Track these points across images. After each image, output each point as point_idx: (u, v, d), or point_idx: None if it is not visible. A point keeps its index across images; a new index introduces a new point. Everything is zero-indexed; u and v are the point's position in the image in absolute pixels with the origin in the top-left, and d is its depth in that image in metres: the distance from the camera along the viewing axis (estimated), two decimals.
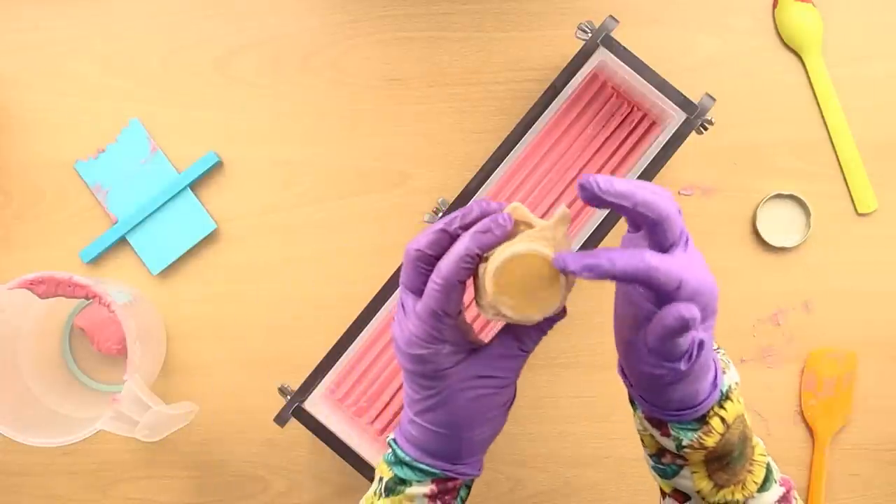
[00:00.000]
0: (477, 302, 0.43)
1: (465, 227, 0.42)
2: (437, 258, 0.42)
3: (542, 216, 0.65)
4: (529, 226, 0.42)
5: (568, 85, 0.62)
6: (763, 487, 0.46)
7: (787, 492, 0.47)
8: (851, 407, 0.69)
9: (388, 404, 0.65)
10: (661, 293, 0.39)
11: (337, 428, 0.62)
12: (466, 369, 0.44)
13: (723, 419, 0.44)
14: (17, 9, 0.71)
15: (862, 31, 0.70)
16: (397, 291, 0.62)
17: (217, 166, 0.71)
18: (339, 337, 0.62)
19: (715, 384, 0.44)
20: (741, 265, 0.70)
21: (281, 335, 0.70)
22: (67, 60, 0.71)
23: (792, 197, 0.69)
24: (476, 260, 0.42)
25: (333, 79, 0.71)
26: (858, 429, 0.69)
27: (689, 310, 0.38)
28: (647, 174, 0.61)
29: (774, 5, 0.70)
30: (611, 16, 0.61)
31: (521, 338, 0.45)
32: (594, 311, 0.70)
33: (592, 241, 0.61)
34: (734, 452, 0.45)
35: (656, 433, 0.45)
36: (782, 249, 0.69)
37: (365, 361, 0.66)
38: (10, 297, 0.60)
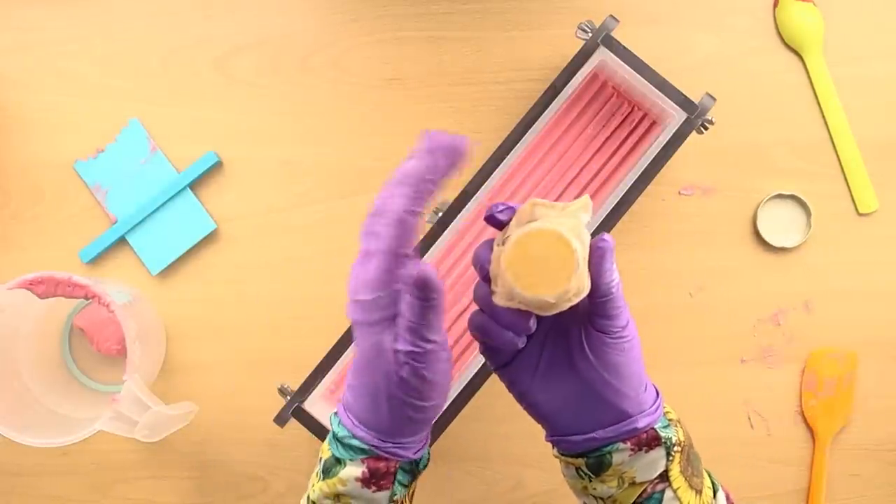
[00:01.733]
0: (492, 290, 0.42)
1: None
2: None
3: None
4: (552, 210, 0.42)
5: (568, 85, 0.62)
6: (714, 491, 0.47)
7: (728, 496, 0.47)
8: (852, 407, 0.69)
9: None
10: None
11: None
12: (397, 326, 0.42)
13: (673, 415, 0.46)
14: (17, 9, 0.71)
15: (863, 30, 0.70)
16: None
17: (217, 166, 0.71)
18: (339, 337, 0.62)
19: (657, 390, 0.46)
20: (741, 265, 0.70)
21: (281, 335, 0.70)
22: (67, 60, 0.71)
23: (792, 197, 0.69)
24: (429, 195, 0.43)
25: (333, 78, 0.71)
26: (859, 429, 0.69)
27: (608, 236, 0.42)
28: (647, 174, 0.61)
29: (775, 5, 0.70)
30: (611, 15, 0.61)
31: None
32: None
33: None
34: (692, 448, 0.46)
35: (642, 460, 0.44)
36: (783, 249, 0.69)
37: None
38: (9, 297, 0.60)
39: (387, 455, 0.44)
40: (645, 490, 0.44)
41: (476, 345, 0.65)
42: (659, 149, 0.61)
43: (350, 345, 0.62)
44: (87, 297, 0.60)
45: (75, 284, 0.60)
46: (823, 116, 0.70)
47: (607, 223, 0.61)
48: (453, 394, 0.61)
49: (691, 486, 0.45)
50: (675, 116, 0.61)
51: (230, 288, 0.71)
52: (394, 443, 0.44)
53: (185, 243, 0.70)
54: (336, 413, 0.46)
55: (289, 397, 0.62)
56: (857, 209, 0.70)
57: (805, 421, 0.69)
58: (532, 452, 0.70)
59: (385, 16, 0.71)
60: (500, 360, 0.46)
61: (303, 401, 0.62)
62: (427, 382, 0.43)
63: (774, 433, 0.70)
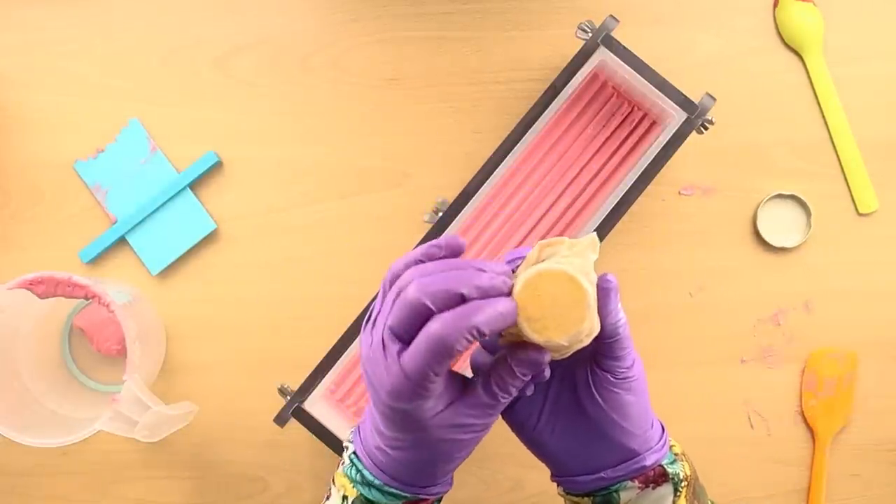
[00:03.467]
0: (500, 334, 0.41)
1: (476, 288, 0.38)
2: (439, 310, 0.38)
3: (543, 217, 0.65)
4: (559, 246, 0.41)
5: (568, 85, 0.62)
6: None
7: None
8: (852, 407, 0.69)
9: None
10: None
11: (337, 428, 0.62)
12: (446, 418, 0.41)
13: (678, 448, 0.46)
14: (18, 9, 0.71)
15: (863, 30, 0.70)
16: None
17: (217, 166, 0.71)
18: (339, 337, 0.62)
19: (663, 426, 0.46)
20: (741, 265, 0.70)
21: (281, 335, 0.70)
22: (67, 60, 0.71)
23: (792, 197, 0.69)
24: (482, 337, 0.38)
25: (333, 78, 0.71)
26: (859, 429, 0.69)
27: (612, 276, 0.41)
28: (648, 174, 0.61)
29: (775, 5, 0.70)
30: (611, 15, 0.61)
31: (502, 384, 0.41)
32: None
33: (598, 234, 0.61)
34: (698, 480, 0.46)
35: (649, 497, 0.44)
36: (783, 249, 0.69)
37: None
38: (9, 297, 0.60)
39: (428, 496, 0.44)
40: None
41: (475, 344, 0.64)
42: (659, 149, 0.61)
43: (350, 345, 0.62)
44: (87, 298, 0.60)
45: (75, 284, 0.60)
46: (823, 116, 0.70)
47: (607, 223, 0.61)
48: None
49: None
50: (675, 116, 0.61)
51: (230, 288, 0.71)
52: (434, 484, 0.45)
53: (185, 243, 0.70)
54: (359, 457, 0.45)
55: (289, 397, 0.62)
56: (857, 209, 0.70)
57: (805, 421, 0.69)
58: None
59: (385, 16, 0.71)
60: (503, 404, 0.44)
61: (303, 401, 0.62)
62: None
63: (774, 433, 0.70)
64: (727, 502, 0.70)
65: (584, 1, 0.70)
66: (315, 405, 0.63)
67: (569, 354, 0.41)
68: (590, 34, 0.61)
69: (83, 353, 0.72)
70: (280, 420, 0.62)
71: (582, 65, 0.61)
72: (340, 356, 0.62)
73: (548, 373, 0.43)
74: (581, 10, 0.70)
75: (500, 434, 0.70)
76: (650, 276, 0.70)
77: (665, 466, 0.44)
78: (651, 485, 0.44)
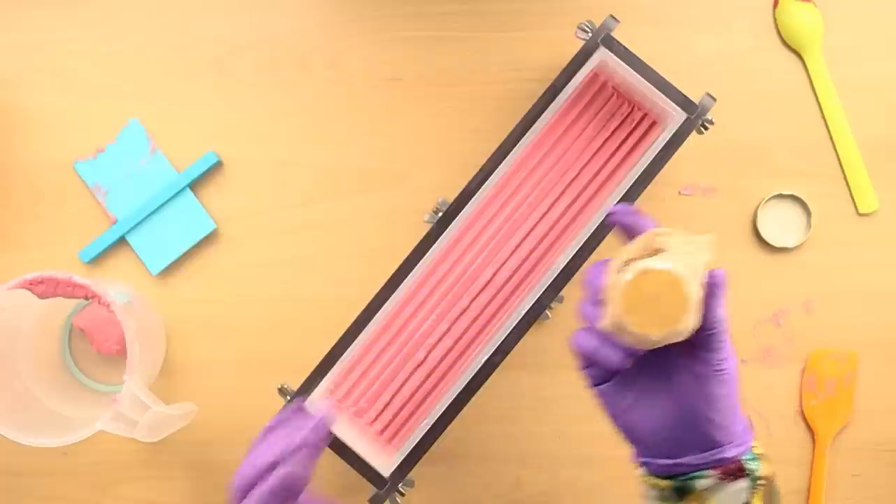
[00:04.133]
0: (603, 313, 0.43)
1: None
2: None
3: (543, 217, 0.65)
4: (674, 238, 0.43)
5: (568, 85, 0.62)
6: None
7: None
8: (852, 407, 0.69)
9: (387, 404, 0.65)
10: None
11: (336, 428, 0.62)
12: None
13: (760, 449, 0.47)
14: (17, 9, 0.71)
15: (863, 30, 0.70)
16: (397, 292, 0.62)
17: (217, 166, 0.71)
18: (339, 337, 0.62)
19: (750, 424, 0.47)
20: (741, 265, 0.70)
21: (281, 335, 0.70)
22: (67, 60, 0.71)
23: (792, 197, 0.69)
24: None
25: (333, 78, 0.71)
26: (859, 429, 0.69)
27: (721, 271, 0.43)
28: (648, 174, 0.61)
29: (775, 5, 0.70)
30: (611, 15, 0.61)
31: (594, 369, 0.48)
32: None
33: (587, 248, 0.61)
34: (774, 483, 0.47)
35: (725, 490, 0.45)
36: (783, 249, 0.69)
37: (365, 362, 0.65)
38: (9, 297, 0.60)
39: None
40: None
41: (475, 345, 0.65)
42: (659, 149, 0.61)
43: (350, 345, 0.62)
44: (87, 298, 0.60)
45: (75, 284, 0.60)
46: (823, 116, 0.70)
47: (607, 224, 0.61)
48: (452, 394, 0.61)
49: None
50: (675, 116, 0.61)
51: (230, 288, 0.71)
52: None
53: (185, 243, 0.70)
54: None
55: (289, 397, 0.62)
56: (857, 209, 0.70)
57: (805, 421, 0.69)
58: (532, 452, 0.70)
59: (385, 16, 0.71)
60: (597, 380, 0.47)
61: (303, 401, 0.62)
62: None
63: (774, 433, 0.70)
64: None
65: (584, 1, 0.70)
66: (315, 405, 0.63)
67: (657, 346, 0.42)
68: (590, 34, 0.61)
69: (83, 353, 0.72)
70: None
71: (582, 65, 0.61)
72: (340, 356, 0.62)
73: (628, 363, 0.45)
74: (581, 10, 0.70)
75: (500, 434, 0.70)
76: None
77: (745, 462, 0.45)
78: (729, 478, 0.45)
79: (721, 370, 0.44)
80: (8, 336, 0.66)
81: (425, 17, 0.71)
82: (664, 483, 0.46)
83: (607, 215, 0.46)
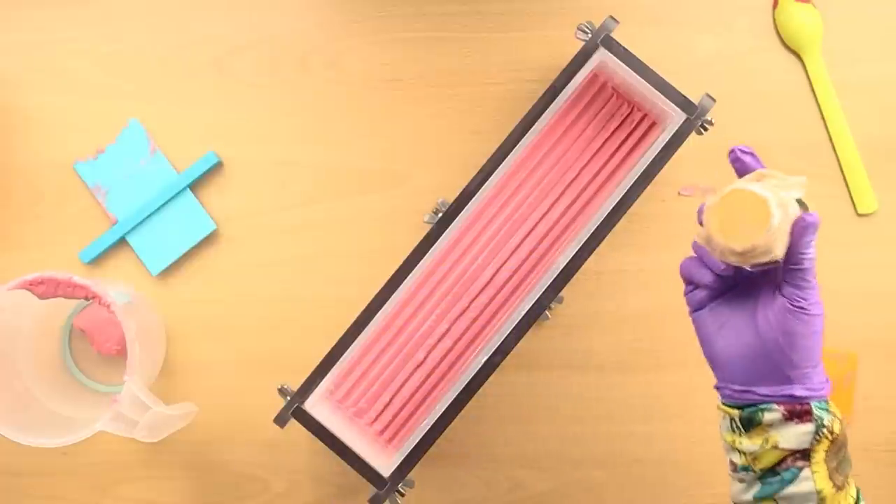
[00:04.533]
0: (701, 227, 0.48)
1: None
2: None
3: (543, 217, 0.65)
4: (773, 178, 0.47)
5: (568, 85, 0.62)
6: (857, 501, 0.49)
7: None
8: (852, 408, 0.69)
9: (387, 405, 0.65)
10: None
11: (337, 429, 0.62)
12: None
13: (837, 412, 0.49)
14: (17, 9, 0.71)
15: (862, 31, 0.70)
16: (397, 292, 0.62)
17: (217, 166, 0.71)
18: (339, 337, 0.62)
19: (829, 381, 0.49)
20: None
21: (281, 335, 0.70)
22: (67, 61, 0.71)
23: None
24: None
25: (333, 79, 0.71)
26: (859, 429, 0.69)
27: (815, 216, 0.46)
28: (648, 174, 0.61)
29: (774, 5, 0.70)
30: (611, 16, 0.61)
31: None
32: (596, 312, 0.70)
33: (587, 248, 0.61)
34: (846, 450, 0.49)
35: (789, 429, 0.47)
36: None
37: (365, 362, 0.66)
38: (9, 297, 0.60)
39: None
40: (785, 460, 0.47)
41: (475, 345, 0.65)
42: (659, 149, 0.61)
43: (350, 345, 0.62)
44: (87, 298, 0.60)
45: (76, 285, 0.60)
46: (823, 117, 0.70)
47: (607, 223, 0.61)
48: (452, 394, 0.61)
49: (832, 479, 0.47)
50: (675, 117, 0.61)
51: (230, 288, 0.71)
52: None
53: (185, 243, 0.70)
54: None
55: (289, 397, 0.62)
56: (856, 210, 0.70)
57: None
58: (532, 452, 0.70)
59: (385, 16, 0.71)
60: (696, 306, 0.51)
61: (303, 401, 0.62)
62: None
63: None
64: (727, 501, 0.70)
65: (584, 1, 0.70)
66: (315, 405, 0.63)
67: (742, 265, 0.47)
68: (589, 35, 0.61)
69: (84, 354, 0.72)
70: (280, 420, 0.62)
71: (582, 65, 0.61)
72: (340, 356, 0.62)
73: (728, 268, 0.49)
74: (581, 11, 0.70)
75: (500, 434, 0.70)
76: (650, 276, 0.70)
77: (814, 407, 0.47)
78: (795, 418, 0.47)
79: (802, 308, 0.47)
80: (8, 336, 0.66)
81: (425, 17, 0.71)
82: (734, 412, 0.49)
83: (730, 151, 0.50)
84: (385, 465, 0.61)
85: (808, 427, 0.47)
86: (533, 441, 0.70)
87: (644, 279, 0.70)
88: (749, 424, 0.48)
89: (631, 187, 0.61)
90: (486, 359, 0.61)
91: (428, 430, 0.61)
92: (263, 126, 0.71)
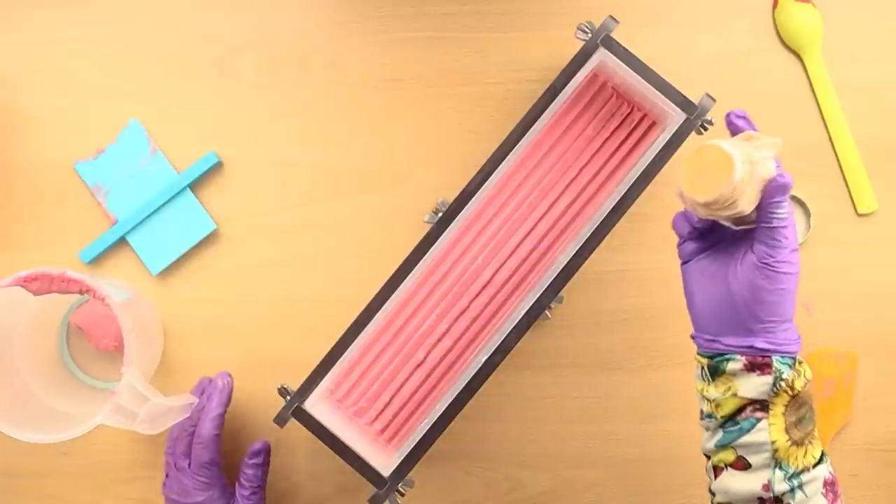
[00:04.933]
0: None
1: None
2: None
3: (543, 216, 0.65)
4: (749, 140, 0.50)
5: (568, 85, 0.62)
6: (819, 462, 0.50)
7: (836, 483, 0.50)
8: (852, 407, 0.69)
9: (388, 404, 0.65)
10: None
11: (337, 428, 0.62)
12: None
13: (805, 372, 0.50)
14: (17, 9, 0.72)
15: (862, 31, 0.70)
16: (397, 292, 0.62)
17: (217, 166, 0.71)
18: (339, 337, 0.62)
19: (799, 336, 0.51)
20: None
21: (281, 335, 0.70)
22: (67, 60, 0.71)
23: (792, 197, 0.69)
24: (224, 416, 0.63)
25: (333, 79, 0.71)
26: (859, 429, 0.69)
27: (787, 177, 0.49)
28: (648, 174, 0.61)
29: (774, 5, 0.70)
30: (611, 16, 0.61)
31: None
32: (596, 312, 0.70)
33: (587, 248, 0.61)
34: (808, 408, 0.50)
35: (749, 380, 0.49)
36: None
37: (365, 362, 0.66)
38: (4, 294, 0.60)
39: None
40: (745, 409, 0.50)
41: (475, 345, 0.65)
42: (659, 149, 0.61)
43: (350, 345, 0.62)
44: (81, 292, 0.60)
45: (70, 280, 0.60)
46: (823, 117, 0.70)
47: (607, 223, 0.61)
48: (452, 394, 0.61)
49: (788, 433, 0.49)
50: (675, 117, 0.61)
51: (230, 288, 0.71)
52: None
53: (185, 243, 0.70)
54: None
55: (289, 397, 0.62)
56: (856, 210, 0.70)
57: None
58: (532, 452, 0.70)
59: (385, 16, 0.71)
60: (684, 258, 0.54)
61: (303, 401, 0.62)
62: None
63: None
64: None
65: (584, 1, 0.70)
66: (315, 405, 0.63)
67: (711, 217, 0.50)
68: (589, 35, 0.61)
69: (81, 350, 0.72)
70: (280, 420, 0.62)
71: (581, 65, 0.61)
72: (340, 356, 0.62)
73: (699, 221, 0.53)
74: (581, 11, 0.70)
75: (500, 434, 0.70)
76: (650, 276, 0.70)
77: (774, 360, 0.49)
78: (756, 370, 0.49)
79: (769, 265, 0.48)
80: (4, 333, 0.65)
81: (425, 17, 0.71)
82: (704, 360, 0.52)
83: (726, 115, 0.53)
84: (385, 464, 0.61)
85: (767, 379, 0.49)
86: (533, 441, 0.70)
87: (644, 279, 0.70)
88: (714, 373, 0.51)
89: (631, 187, 0.61)
90: (486, 358, 0.61)
91: (428, 430, 0.61)
92: (263, 126, 0.71)
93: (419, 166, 0.70)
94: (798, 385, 0.49)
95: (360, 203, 0.71)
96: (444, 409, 0.61)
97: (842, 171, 0.70)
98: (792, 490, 0.49)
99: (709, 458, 0.53)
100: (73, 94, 0.71)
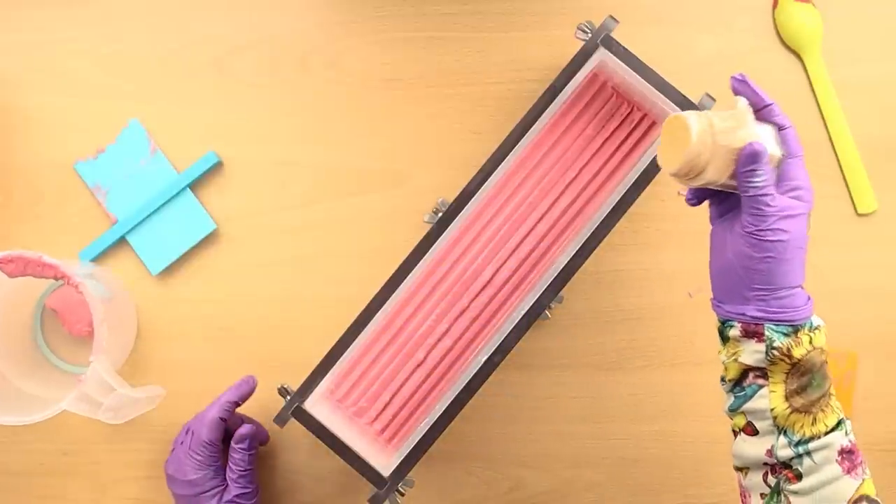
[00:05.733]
0: None
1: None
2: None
3: (543, 216, 0.65)
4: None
5: (568, 85, 0.62)
6: (836, 427, 0.50)
7: (855, 452, 0.50)
8: (852, 407, 0.69)
9: (388, 404, 0.65)
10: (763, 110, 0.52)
11: (337, 428, 0.62)
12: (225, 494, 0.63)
13: (811, 339, 0.50)
14: (17, 9, 0.71)
15: (862, 31, 0.70)
16: (397, 292, 0.62)
17: (217, 166, 0.71)
18: (339, 337, 0.62)
19: (808, 305, 0.51)
20: None
21: (281, 335, 0.70)
22: (67, 60, 0.71)
23: None
24: (234, 406, 0.64)
25: (333, 79, 0.71)
26: (859, 429, 0.69)
27: (756, 145, 0.49)
28: (648, 174, 0.61)
29: (774, 5, 0.70)
30: (611, 16, 0.61)
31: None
32: (595, 312, 0.70)
33: (587, 248, 0.61)
34: (813, 376, 0.50)
35: (748, 346, 0.50)
36: None
37: (365, 361, 0.66)
38: None
39: None
40: (748, 376, 0.51)
41: (475, 345, 0.65)
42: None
43: (350, 345, 0.62)
44: (56, 278, 0.60)
45: (45, 264, 0.60)
46: (822, 117, 0.70)
47: (607, 223, 0.61)
48: (452, 394, 0.61)
49: (789, 400, 0.49)
50: None
51: (230, 288, 0.71)
52: None
53: (185, 243, 0.70)
54: None
55: (289, 397, 0.62)
56: (856, 210, 0.70)
57: None
58: (532, 452, 0.70)
59: (385, 16, 0.71)
60: (711, 221, 0.55)
61: (303, 401, 0.62)
62: None
63: None
64: (727, 501, 0.70)
65: (585, 1, 0.70)
66: (315, 405, 0.63)
67: (688, 185, 0.51)
68: (589, 34, 0.61)
69: (55, 334, 0.72)
70: (280, 420, 0.62)
71: (581, 65, 0.61)
72: (340, 356, 0.62)
73: (685, 191, 0.55)
74: (581, 10, 0.70)
75: (500, 434, 0.70)
76: (650, 276, 0.70)
77: (766, 328, 0.49)
78: (753, 337, 0.50)
79: (753, 234, 0.49)
80: None
81: (425, 17, 0.71)
82: (719, 324, 0.53)
83: (731, 78, 0.53)
84: (385, 464, 0.61)
85: (759, 346, 0.50)
86: (533, 441, 0.70)
87: (644, 279, 0.70)
88: (722, 337, 0.52)
89: (631, 187, 0.61)
90: (486, 358, 0.61)
91: (428, 430, 0.61)
92: (263, 126, 0.71)
93: (419, 166, 0.70)
94: (797, 353, 0.49)
95: (360, 203, 0.71)
96: (444, 409, 0.61)
97: (842, 171, 0.70)
98: (799, 457, 0.49)
99: None
100: (73, 94, 0.71)
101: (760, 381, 0.50)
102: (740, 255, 0.50)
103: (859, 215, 0.70)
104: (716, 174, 0.49)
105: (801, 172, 0.51)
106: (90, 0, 0.71)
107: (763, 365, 0.50)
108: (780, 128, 0.52)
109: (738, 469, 0.53)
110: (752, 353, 0.50)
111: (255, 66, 0.71)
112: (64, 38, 0.71)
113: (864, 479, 0.50)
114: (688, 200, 0.55)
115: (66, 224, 0.71)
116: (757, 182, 0.49)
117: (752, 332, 0.50)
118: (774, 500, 0.50)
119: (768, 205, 0.49)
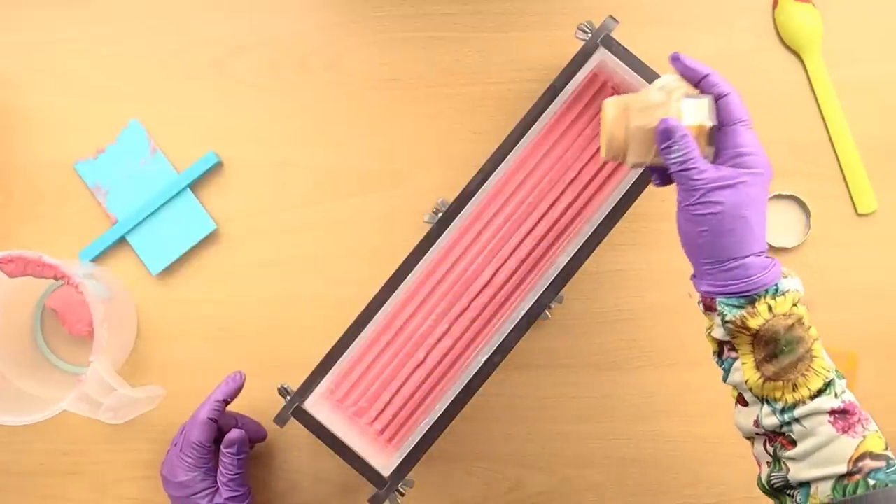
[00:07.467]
0: None
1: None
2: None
3: (543, 217, 0.65)
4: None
5: (568, 85, 0.62)
6: (818, 395, 0.49)
7: (851, 411, 0.48)
8: None
9: (387, 404, 0.65)
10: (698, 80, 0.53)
11: (337, 428, 0.62)
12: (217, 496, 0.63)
13: (770, 307, 0.48)
14: (17, 9, 0.72)
15: (862, 31, 0.70)
16: (397, 292, 0.62)
17: (217, 166, 0.71)
18: (339, 337, 0.62)
19: (767, 272, 0.49)
20: None
21: (281, 335, 0.70)
22: (67, 60, 0.71)
23: (792, 197, 0.69)
24: (224, 405, 0.64)
25: (333, 79, 0.71)
26: None
27: (669, 121, 0.49)
28: (647, 174, 0.61)
29: (774, 5, 0.70)
30: (610, 16, 0.61)
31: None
32: (595, 312, 0.70)
33: (586, 249, 0.61)
34: (780, 343, 0.48)
35: (715, 321, 0.50)
36: (782, 250, 0.69)
37: (365, 362, 0.66)
38: None
39: None
40: (723, 350, 0.51)
41: (475, 345, 0.65)
42: None
43: (350, 345, 0.62)
44: (55, 278, 0.61)
45: (45, 264, 0.60)
46: (823, 117, 0.70)
47: (607, 224, 0.61)
48: (452, 394, 0.61)
49: (759, 369, 0.49)
50: None
51: (230, 288, 0.71)
52: None
53: (185, 243, 0.70)
54: None
55: (289, 397, 0.62)
56: (856, 210, 0.70)
57: None
58: (532, 452, 0.70)
59: (385, 16, 0.71)
60: None
61: (303, 401, 0.62)
62: None
63: None
64: (726, 501, 0.70)
65: (585, 1, 0.70)
66: (315, 405, 0.63)
67: (632, 168, 0.56)
68: (589, 35, 0.61)
69: (55, 334, 0.72)
70: (280, 420, 0.62)
71: (581, 65, 0.61)
72: (340, 356, 0.62)
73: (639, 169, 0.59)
74: (581, 10, 0.70)
75: (500, 434, 0.70)
76: (650, 276, 0.70)
77: (718, 304, 0.49)
78: (708, 309, 0.51)
79: (685, 209, 0.49)
80: None
81: (425, 17, 0.71)
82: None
83: (669, 57, 0.54)
84: (385, 464, 0.61)
85: (715, 319, 0.50)
86: (533, 441, 0.70)
87: (643, 279, 0.70)
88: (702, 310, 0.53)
89: (631, 187, 0.61)
90: (486, 359, 0.61)
91: (428, 430, 0.61)
92: (263, 127, 0.71)
93: (419, 166, 0.71)
94: (753, 324, 0.48)
95: (359, 203, 0.71)
96: (444, 409, 0.61)
97: (842, 170, 0.70)
98: (788, 423, 0.48)
99: None
100: (73, 95, 0.71)
101: (734, 354, 0.50)
102: (682, 232, 0.50)
103: (859, 215, 0.70)
104: (640, 155, 0.51)
105: (745, 138, 0.50)
106: (90, 0, 0.71)
107: (728, 339, 0.50)
108: (719, 97, 0.52)
109: (748, 439, 0.53)
110: (717, 326, 0.50)
111: (255, 66, 0.71)
112: (64, 38, 0.71)
113: (864, 437, 0.48)
114: (653, 182, 0.56)
115: (66, 224, 0.71)
116: (675, 157, 0.49)
117: (709, 305, 0.50)
118: (776, 468, 0.50)
119: (694, 178, 0.48)
